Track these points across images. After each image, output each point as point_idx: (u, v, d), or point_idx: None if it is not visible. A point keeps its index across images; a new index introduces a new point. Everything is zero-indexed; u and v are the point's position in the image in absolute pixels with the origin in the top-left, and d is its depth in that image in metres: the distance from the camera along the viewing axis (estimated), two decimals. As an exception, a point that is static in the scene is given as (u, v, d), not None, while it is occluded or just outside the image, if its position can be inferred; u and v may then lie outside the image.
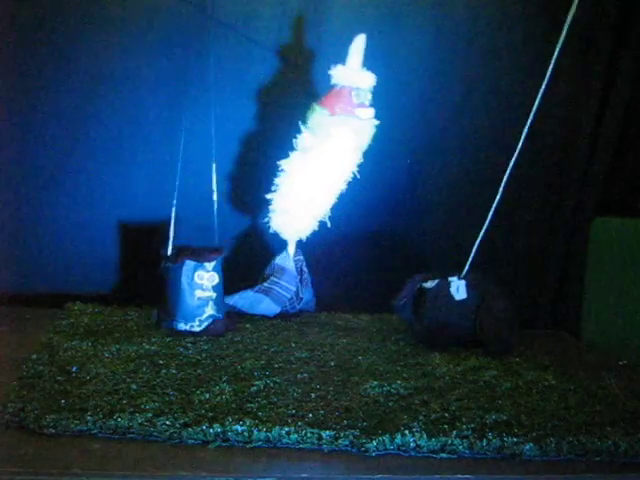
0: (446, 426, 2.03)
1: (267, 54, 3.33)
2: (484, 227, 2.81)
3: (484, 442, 1.96)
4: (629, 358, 2.86)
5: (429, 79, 3.42)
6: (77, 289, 3.29)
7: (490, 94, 3.44)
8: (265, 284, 3.12)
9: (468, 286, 2.79)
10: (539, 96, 2.76)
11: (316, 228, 3.12)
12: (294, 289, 3.15)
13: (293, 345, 2.77)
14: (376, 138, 3.15)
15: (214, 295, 2.81)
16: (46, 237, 3.31)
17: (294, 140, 3.02)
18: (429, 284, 2.83)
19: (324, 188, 3.04)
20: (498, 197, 2.80)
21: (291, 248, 3.16)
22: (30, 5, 3.14)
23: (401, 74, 3.36)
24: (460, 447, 1.95)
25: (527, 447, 1.96)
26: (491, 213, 2.81)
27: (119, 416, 1.95)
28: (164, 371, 2.37)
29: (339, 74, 2.93)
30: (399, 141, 3.39)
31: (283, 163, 3.04)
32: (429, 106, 3.43)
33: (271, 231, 3.14)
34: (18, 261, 3.30)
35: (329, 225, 3.09)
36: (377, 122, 2.97)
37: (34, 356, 2.43)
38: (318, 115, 2.95)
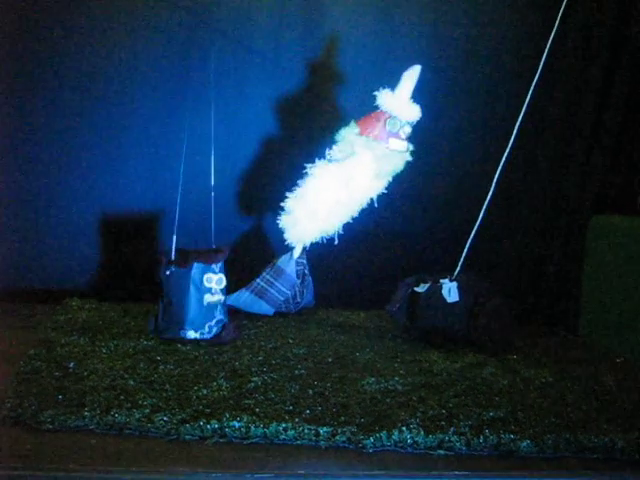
0: (443, 423, 2.03)
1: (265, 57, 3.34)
2: (475, 226, 2.81)
3: (481, 439, 1.97)
4: (626, 355, 2.86)
5: (424, 78, 3.41)
6: (75, 285, 3.29)
7: (488, 94, 3.44)
8: (261, 283, 3.10)
9: (460, 288, 2.76)
10: (529, 94, 2.77)
11: (322, 240, 3.09)
12: (289, 293, 3.12)
13: (291, 341, 2.77)
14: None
15: (222, 298, 2.71)
16: (44, 233, 3.31)
17: (327, 149, 3.00)
18: (421, 288, 2.81)
19: (340, 203, 3.01)
20: (489, 195, 2.80)
21: (296, 252, 3.14)
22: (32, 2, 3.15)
23: (397, 72, 3.36)
24: (457, 444, 1.96)
25: (524, 444, 1.97)
26: (482, 211, 2.81)
27: (116, 412, 1.96)
28: (162, 367, 2.37)
29: (384, 99, 2.89)
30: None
31: (309, 167, 3.00)
32: (424, 105, 3.42)
33: (281, 227, 3.09)
34: (16, 257, 3.30)
35: (336, 242, 3.07)
36: (409, 158, 2.96)
37: (32, 352, 2.43)
38: (348, 130, 2.94)
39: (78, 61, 3.21)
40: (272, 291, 3.09)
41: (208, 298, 2.65)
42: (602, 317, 3.09)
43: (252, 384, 2.25)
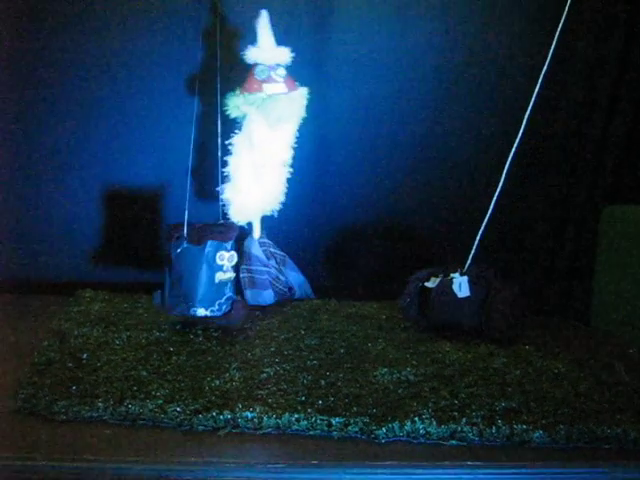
0: (455, 413, 2.04)
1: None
2: (486, 217, 2.78)
3: (493, 429, 1.97)
4: (639, 346, 2.85)
5: (434, 68, 3.40)
6: (88, 276, 3.30)
7: (499, 84, 3.41)
8: (244, 274, 3.07)
9: (471, 282, 2.74)
10: (538, 83, 2.75)
11: (277, 210, 3.10)
12: (271, 270, 3.12)
13: (303, 332, 2.77)
14: (382, 128, 3.18)
15: (233, 276, 2.68)
16: (57, 225, 3.32)
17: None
18: (431, 283, 2.79)
19: (258, 167, 3.02)
20: (499, 186, 2.78)
21: (255, 232, 3.13)
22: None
23: (405, 62, 3.35)
24: (469, 434, 1.96)
25: (536, 434, 1.97)
26: (493, 203, 2.79)
27: (130, 403, 1.97)
28: (174, 358, 2.38)
29: (248, 53, 2.96)
30: (404, 130, 3.39)
31: (228, 144, 3.03)
32: (433, 95, 3.40)
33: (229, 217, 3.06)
34: (30, 249, 3.31)
35: (275, 215, 3.09)
36: (293, 95, 2.98)
37: (45, 343, 2.45)
38: (230, 95, 2.98)
39: (82, 39, 3.19)
40: (257, 276, 3.08)
41: (220, 276, 2.62)
42: (615, 307, 3.08)
43: (264, 375, 2.26)
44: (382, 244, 3.48)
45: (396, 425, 1.95)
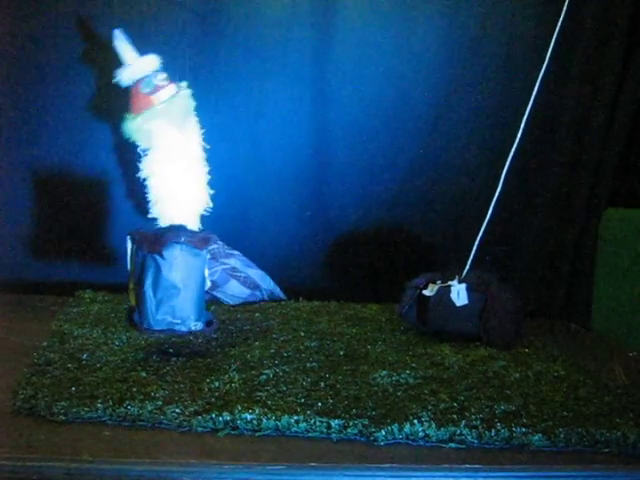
0: (455, 416, 2.03)
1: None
2: (485, 221, 2.79)
3: (493, 432, 1.96)
4: (639, 349, 2.85)
5: (436, 71, 3.40)
6: (88, 277, 3.30)
7: (500, 87, 3.41)
8: None
9: (469, 289, 2.72)
10: (536, 86, 2.75)
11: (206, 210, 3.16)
12: (220, 265, 3.15)
13: (302, 334, 2.77)
14: (383, 131, 3.17)
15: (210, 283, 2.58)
16: (58, 226, 3.32)
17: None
18: (429, 291, 2.78)
19: (185, 173, 3.07)
20: (498, 190, 2.79)
21: None
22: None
23: (407, 66, 3.35)
24: (469, 437, 1.95)
25: (536, 438, 1.96)
26: (492, 205, 2.79)
27: (129, 404, 1.97)
28: (174, 359, 2.38)
29: (121, 77, 2.99)
30: (404, 133, 3.39)
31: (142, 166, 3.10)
32: (434, 100, 3.41)
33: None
34: (29, 249, 3.31)
35: (207, 213, 3.13)
36: (185, 92, 3.03)
37: (45, 344, 2.45)
38: (127, 123, 3.01)
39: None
40: (211, 278, 3.09)
41: (207, 284, 2.49)
42: (615, 311, 3.08)
43: (264, 377, 2.26)
44: (382, 246, 3.49)
45: (395, 427, 1.94)
